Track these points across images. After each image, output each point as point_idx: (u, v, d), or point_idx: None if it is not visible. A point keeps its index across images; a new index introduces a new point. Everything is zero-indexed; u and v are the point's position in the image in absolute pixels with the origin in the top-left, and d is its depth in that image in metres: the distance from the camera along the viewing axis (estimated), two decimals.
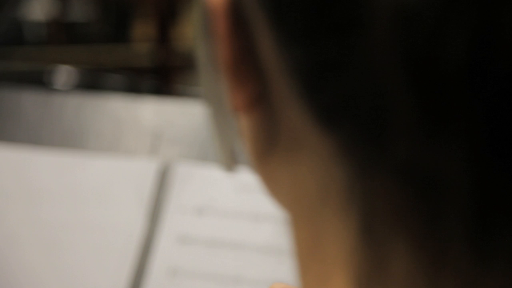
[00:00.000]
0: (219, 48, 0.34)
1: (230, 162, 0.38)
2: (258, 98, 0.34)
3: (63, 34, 2.98)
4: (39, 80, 2.06)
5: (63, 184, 0.84)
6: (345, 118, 0.31)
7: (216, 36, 0.34)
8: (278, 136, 0.34)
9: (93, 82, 2.12)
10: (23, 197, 0.84)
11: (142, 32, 2.92)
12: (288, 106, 0.33)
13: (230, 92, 0.34)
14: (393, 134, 0.30)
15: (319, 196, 0.34)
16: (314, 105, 0.32)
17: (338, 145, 0.32)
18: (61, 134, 0.88)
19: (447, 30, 0.29)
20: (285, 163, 0.35)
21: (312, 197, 0.34)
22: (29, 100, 0.90)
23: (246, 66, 0.34)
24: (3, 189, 0.84)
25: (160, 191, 0.82)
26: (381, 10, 0.29)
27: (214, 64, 0.35)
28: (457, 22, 0.29)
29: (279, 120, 0.34)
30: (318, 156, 0.33)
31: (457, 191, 0.30)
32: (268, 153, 0.35)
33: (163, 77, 2.53)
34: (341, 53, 0.30)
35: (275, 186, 0.37)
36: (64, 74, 2.09)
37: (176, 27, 2.71)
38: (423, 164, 0.30)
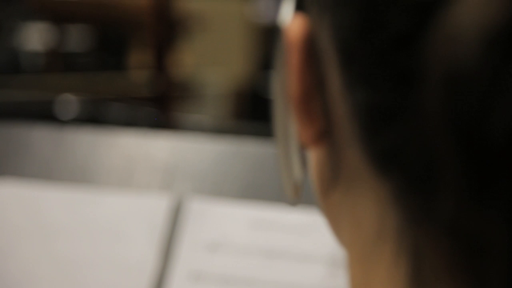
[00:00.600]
0: (292, 82, 0.35)
1: (295, 196, 0.39)
2: (324, 134, 0.36)
3: (60, 63, 2.98)
4: (40, 111, 2.05)
5: (74, 220, 0.83)
6: (397, 165, 0.33)
7: (290, 69, 0.35)
8: (340, 172, 0.36)
9: (93, 112, 2.11)
10: (34, 233, 0.83)
11: (140, 60, 2.92)
12: (349, 145, 0.35)
13: (299, 126, 0.36)
14: (441, 190, 0.31)
15: (373, 236, 0.35)
16: (371, 148, 0.33)
17: (392, 190, 0.34)
18: (72, 170, 0.87)
19: (497, 97, 0.30)
20: (344, 200, 0.37)
21: (366, 237, 0.36)
22: (39, 135, 0.89)
23: (315, 102, 0.35)
24: (14, 225, 0.84)
25: (173, 228, 0.82)
26: (435, 70, 0.30)
27: (285, 98, 0.36)
28: (507, 90, 0.30)
29: (341, 157, 0.36)
30: (373, 197, 0.35)
31: (498, 252, 0.32)
32: (331, 188, 0.37)
33: (161, 105, 2.53)
34: (397, 102, 0.32)
35: (335, 222, 0.39)
36: (66, 104, 2.09)
37: (174, 55, 2.70)
38: (467, 223, 0.32)
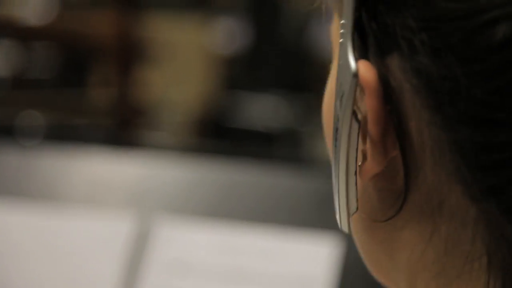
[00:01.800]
0: (371, 123, 0.38)
1: (348, 223, 0.41)
2: (396, 167, 0.39)
3: (24, 82, 2.96)
4: (2, 128, 2.02)
5: (37, 241, 0.82)
6: (498, 196, 0.36)
7: (369, 111, 0.38)
8: (411, 201, 0.39)
9: (57, 131, 2.09)
10: None
11: (104, 81, 2.90)
12: (436, 175, 0.38)
13: (372, 158, 0.38)
14: None
15: (462, 257, 0.38)
16: (474, 182, 0.36)
17: (485, 213, 0.37)
18: (35, 189, 0.86)
19: None
20: (411, 226, 0.40)
21: (453, 257, 0.39)
22: (0, 153, 0.88)
23: (390, 138, 0.38)
24: None
25: (138, 249, 0.80)
26: None
27: (349, 135, 0.38)
28: None
29: (419, 187, 0.39)
30: (461, 221, 0.38)
31: None
32: (388, 215, 0.40)
33: (125, 125, 2.51)
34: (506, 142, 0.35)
35: (387, 249, 0.42)
36: (29, 123, 2.06)
37: (137, 77, 2.70)
38: None
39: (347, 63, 0.37)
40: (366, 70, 0.37)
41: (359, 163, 0.39)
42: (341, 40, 0.38)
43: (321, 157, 2.90)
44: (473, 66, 0.35)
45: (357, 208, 0.40)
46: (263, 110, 3.33)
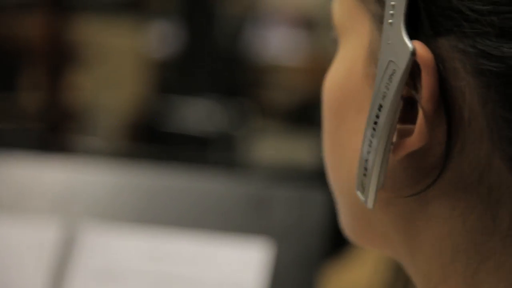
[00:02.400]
0: (426, 98, 0.40)
1: (374, 198, 0.42)
2: (434, 144, 0.40)
3: None
4: None
5: None
6: None
7: (425, 87, 0.39)
8: (446, 175, 0.41)
9: None
10: None
11: (33, 84, 2.85)
12: (482, 151, 0.40)
13: (418, 134, 0.40)
14: None
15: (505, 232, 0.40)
16: None
17: None
18: None
19: None
20: (444, 200, 0.41)
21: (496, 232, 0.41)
22: None
23: (440, 115, 0.40)
24: None
25: (64, 257, 0.79)
26: None
27: (396, 108, 0.40)
28: None
29: (461, 161, 0.41)
30: (500, 199, 0.40)
31: None
32: (413, 191, 0.42)
33: (54, 129, 2.47)
34: None
35: (408, 223, 0.43)
36: None
37: (68, 80, 2.66)
38: None
39: (401, 42, 0.39)
40: (423, 49, 0.39)
41: (394, 140, 0.41)
42: (390, 21, 0.40)
43: (254, 161, 2.90)
44: None
45: (382, 185, 0.42)
46: (196, 114, 3.32)
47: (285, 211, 0.77)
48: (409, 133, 0.41)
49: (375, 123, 0.41)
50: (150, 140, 3.22)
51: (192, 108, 3.33)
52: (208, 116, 3.31)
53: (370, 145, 0.42)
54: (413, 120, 0.41)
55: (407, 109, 0.41)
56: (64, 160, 0.87)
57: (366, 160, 0.42)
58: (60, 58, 2.56)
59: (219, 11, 3.67)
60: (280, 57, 4.27)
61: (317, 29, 4.36)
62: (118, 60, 3.35)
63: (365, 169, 0.42)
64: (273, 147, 3.22)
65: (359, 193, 0.43)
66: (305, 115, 3.94)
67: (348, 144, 0.45)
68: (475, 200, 0.41)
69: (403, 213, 0.44)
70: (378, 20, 0.42)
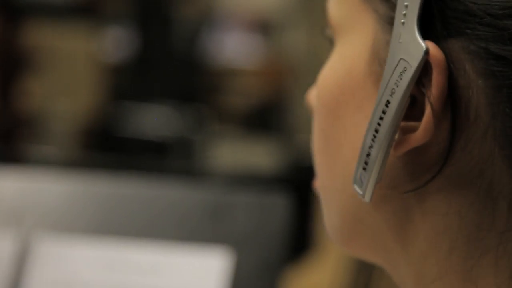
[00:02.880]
0: (436, 96, 0.41)
1: (372, 192, 0.43)
2: (437, 140, 0.42)
3: None
4: None
5: None
6: None
7: (434, 83, 0.41)
8: (446, 171, 0.42)
9: None
10: None
11: None
12: (484, 148, 0.41)
13: (424, 130, 0.41)
14: None
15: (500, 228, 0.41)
16: None
17: None
18: None
19: None
20: (442, 196, 0.42)
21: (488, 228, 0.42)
22: None
23: (446, 112, 0.41)
24: None
25: (20, 270, 0.77)
26: None
27: (404, 105, 0.42)
28: None
29: (463, 157, 0.42)
30: (498, 196, 0.41)
31: None
32: (411, 186, 0.43)
33: (6, 139, 2.44)
34: None
35: (406, 222, 0.44)
36: None
37: (20, 88, 2.62)
38: None
39: (414, 42, 0.41)
40: (435, 49, 0.41)
41: (396, 137, 0.43)
42: (402, 20, 0.42)
43: (212, 167, 2.88)
44: None
45: (380, 180, 0.43)
46: (153, 120, 3.30)
47: (245, 218, 0.77)
48: (412, 130, 0.43)
49: (381, 118, 0.42)
50: (106, 147, 3.19)
51: (148, 114, 3.31)
52: (165, 121, 3.29)
53: (373, 140, 0.43)
54: (416, 117, 0.43)
55: (410, 106, 0.43)
56: (17, 169, 0.85)
57: (368, 154, 0.43)
58: (11, 64, 2.52)
59: (174, 16, 3.66)
60: (237, 61, 4.27)
61: (274, 32, 4.36)
62: (71, 65, 3.32)
63: (366, 163, 0.43)
64: (231, 152, 3.22)
65: (356, 187, 0.44)
66: (263, 119, 3.94)
67: (345, 141, 0.46)
68: (474, 196, 0.42)
69: (398, 210, 0.45)
70: (385, 20, 0.44)
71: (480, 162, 0.42)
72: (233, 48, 4.30)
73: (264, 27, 4.41)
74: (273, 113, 3.88)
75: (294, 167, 2.57)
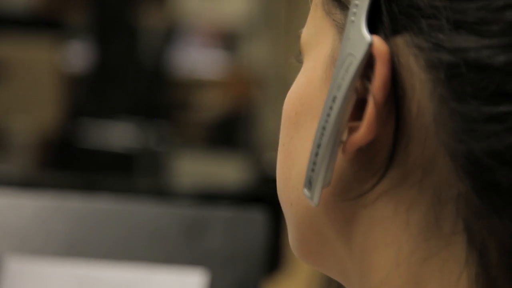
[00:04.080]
0: (377, 89, 0.41)
1: (319, 196, 0.43)
2: (382, 140, 0.41)
3: None
4: None
5: None
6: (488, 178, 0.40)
7: (378, 77, 0.41)
8: (391, 174, 0.42)
9: None
10: None
11: None
12: (427, 148, 0.41)
13: (366, 127, 0.41)
14: None
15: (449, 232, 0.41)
16: (462, 154, 0.40)
17: (471, 195, 0.40)
18: None
19: None
20: (388, 200, 0.42)
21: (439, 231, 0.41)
22: None
23: (388, 109, 0.41)
24: None
25: None
26: None
27: (348, 99, 0.42)
28: None
29: (406, 158, 0.42)
30: (443, 197, 0.41)
31: None
32: (358, 192, 0.43)
33: None
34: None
35: (351, 232, 0.44)
36: None
37: None
38: None
39: (360, 36, 0.42)
40: (379, 42, 0.42)
41: (344, 139, 0.43)
42: (352, 19, 0.42)
43: (180, 184, 2.85)
44: (492, 40, 0.40)
45: (329, 183, 0.43)
46: (116, 135, 3.26)
47: (220, 235, 0.75)
48: (356, 131, 0.43)
49: (328, 115, 0.43)
50: (67, 163, 3.14)
51: (110, 128, 3.28)
52: (128, 136, 3.26)
53: (321, 138, 0.43)
54: (362, 118, 0.43)
55: (357, 109, 0.42)
56: None
57: (316, 154, 0.43)
58: None
59: (138, 28, 3.63)
60: (201, 73, 4.26)
61: (238, 44, 4.36)
62: (30, 77, 3.26)
63: (314, 163, 0.43)
64: (196, 167, 3.19)
65: (305, 191, 0.44)
66: (228, 132, 3.92)
67: (301, 151, 0.46)
68: (418, 199, 0.42)
69: (350, 218, 0.44)
70: (342, 27, 0.44)
71: (422, 163, 0.41)
72: (197, 60, 4.29)
73: (228, 39, 4.41)
74: (238, 126, 3.87)
75: (261, 180, 2.55)
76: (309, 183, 0.44)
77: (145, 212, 0.78)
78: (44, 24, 3.49)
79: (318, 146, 0.43)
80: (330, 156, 0.42)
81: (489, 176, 0.40)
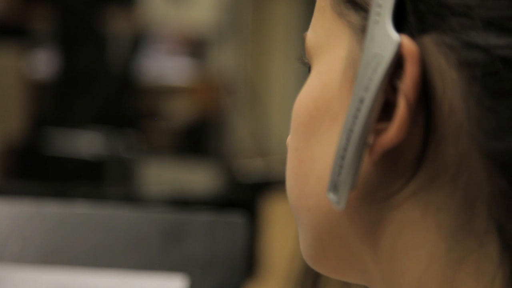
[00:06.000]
0: (409, 89, 0.41)
1: (347, 198, 0.42)
2: (412, 141, 0.41)
3: None
4: None
5: None
6: None
7: (408, 78, 0.41)
8: (420, 175, 0.41)
9: None
10: None
11: None
12: (459, 147, 0.41)
13: (397, 127, 0.41)
14: None
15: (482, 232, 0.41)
16: (496, 154, 0.40)
17: (504, 195, 0.40)
18: None
19: None
20: (415, 202, 0.41)
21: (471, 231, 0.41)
22: None
23: (419, 109, 0.41)
24: None
25: None
26: None
27: (374, 100, 0.41)
28: None
29: (437, 158, 0.41)
30: (475, 197, 0.40)
31: None
32: (385, 195, 0.42)
33: None
34: None
35: (378, 232, 0.43)
36: None
37: None
38: None
39: (387, 36, 0.41)
40: (408, 41, 0.41)
41: (371, 142, 0.42)
42: (376, 18, 0.42)
43: (151, 191, 2.84)
44: None
45: (356, 186, 0.42)
46: (84, 141, 3.24)
47: (200, 240, 0.74)
48: (385, 132, 0.42)
49: (355, 117, 0.42)
50: (35, 171, 3.12)
51: (79, 135, 3.25)
52: (97, 143, 3.24)
53: (348, 140, 0.42)
54: (389, 120, 0.42)
55: (384, 111, 0.42)
56: None
57: (343, 157, 0.42)
58: None
59: (106, 35, 3.61)
60: (169, 80, 4.24)
61: (205, 51, 4.35)
62: None
63: (341, 167, 0.43)
64: (167, 175, 3.18)
65: (330, 195, 0.43)
66: (197, 139, 3.91)
67: (320, 155, 0.45)
68: (449, 199, 0.41)
69: (374, 221, 0.44)
70: (359, 29, 0.44)
71: (455, 162, 0.41)
72: (165, 67, 4.28)
73: (196, 46, 4.40)
74: (207, 132, 3.86)
75: (231, 186, 2.55)
76: (334, 188, 0.43)
77: (123, 218, 0.77)
78: (10, 31, 3.46)
79: (345, 149, 0.42)
80: (358, 159, 0.42)
81: None
